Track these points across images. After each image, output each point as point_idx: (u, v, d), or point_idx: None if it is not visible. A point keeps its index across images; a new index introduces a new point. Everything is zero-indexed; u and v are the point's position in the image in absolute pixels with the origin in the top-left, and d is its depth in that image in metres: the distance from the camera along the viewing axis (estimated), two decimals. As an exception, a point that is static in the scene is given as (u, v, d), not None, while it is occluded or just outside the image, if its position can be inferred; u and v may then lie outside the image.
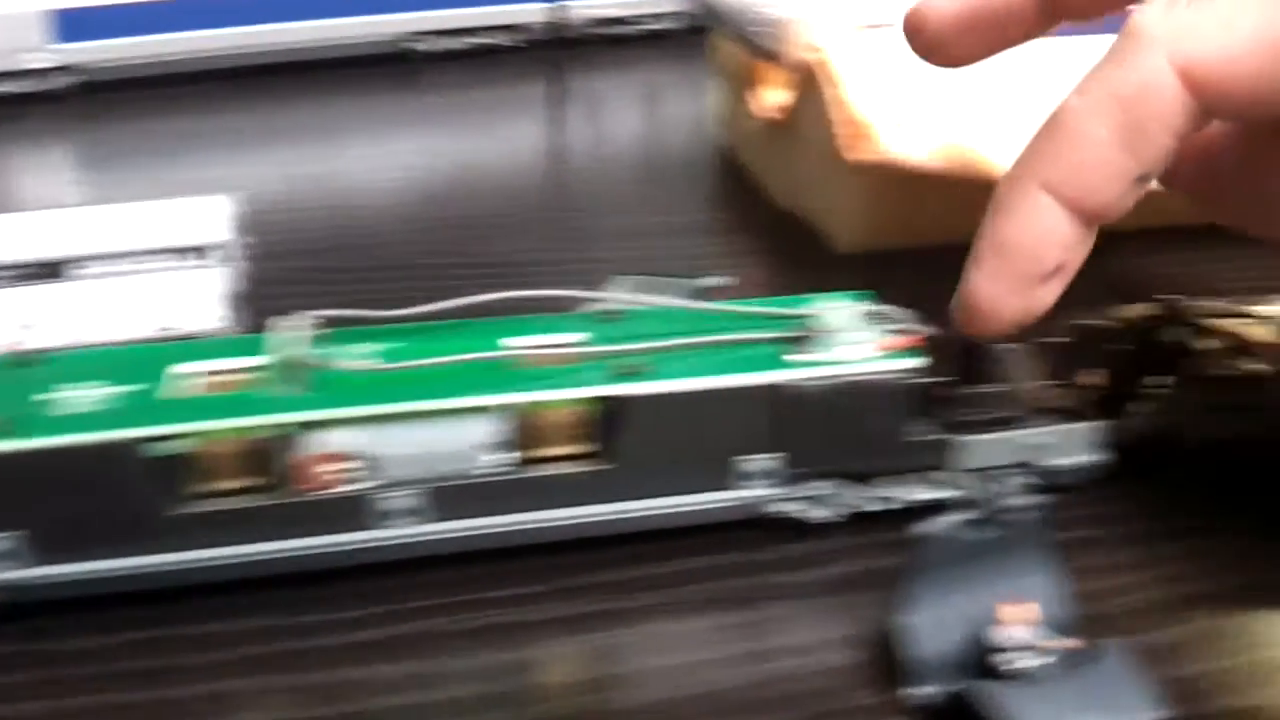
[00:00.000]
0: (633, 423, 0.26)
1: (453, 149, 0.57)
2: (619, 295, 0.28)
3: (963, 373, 0.29)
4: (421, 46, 0.65)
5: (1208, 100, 0.22)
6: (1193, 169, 0.26)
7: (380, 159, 0.55)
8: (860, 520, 0.29)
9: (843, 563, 0.28)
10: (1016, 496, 0.24)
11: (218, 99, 0.61)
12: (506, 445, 0.26)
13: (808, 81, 0.42)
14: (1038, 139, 0.23)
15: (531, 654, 0.26)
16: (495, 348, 0.27)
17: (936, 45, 0.26)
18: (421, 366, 0.25)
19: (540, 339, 0.27)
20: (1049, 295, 0.23)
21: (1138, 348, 0.32)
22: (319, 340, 0.26)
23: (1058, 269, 0.23)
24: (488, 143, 0.58)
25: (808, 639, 0.27)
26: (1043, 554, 0.25)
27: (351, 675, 0.25)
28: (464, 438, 0.25)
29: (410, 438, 0.25)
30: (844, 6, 0.44)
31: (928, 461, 0.29)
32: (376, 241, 0.46)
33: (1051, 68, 0.44)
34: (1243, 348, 0.32)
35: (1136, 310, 0.33)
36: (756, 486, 0.28)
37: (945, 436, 0.28)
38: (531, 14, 0.67)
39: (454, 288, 0.30)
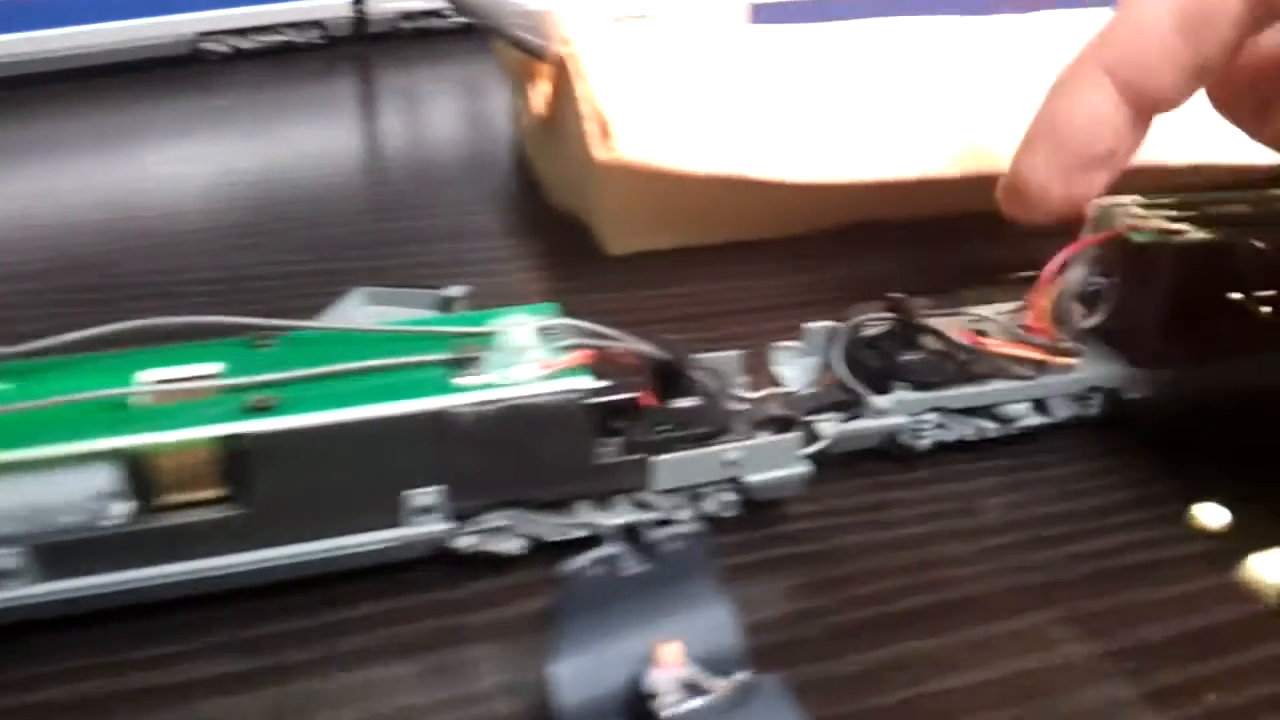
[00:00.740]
0: (265, 462, 0.23)
1: (245, 155, 0.53)
2: (275, 322, 0.26)
3: (663, 385, 0.28)
4: (216, 47, 0.62)
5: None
6: (1245, 88, 0.26)
7: (162, 168, 0.52)
8: (561, 549, 0.27)
9: (542, 596, 0.27)
10: (680, 524, 0.22)
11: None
12: (123, 494, 0.23)
13: (562, 77, 0.40)
14: (1105, 26, 0.23)
15: (198, 714, 0.24)
16: (127, 383, 0.24)
17: None
18: (23, 409, 0.23)
19: (174, 371, 0.24)
20: (1096, 183, 0.24)
21: (854, 349, 0.31)
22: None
23: (1108, 154, 0.23)
24: (282, 148, 0.55)
25: (499, 682, 0.25)
26: (706, 584, 0.23)
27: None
28: (68, 488, 0.22)
29: (2, 491, 0.22)
30: (601, -3, 0.42)
31: (626, 483, 0.27)
32: (126, 259, 0.43)
33: (807, 63, 0.43)
34: (958, 349, 0.30)
35: (862, 310, 0.31)
36: (432, 521, 0.25)
37: (640, 456, 0.27)
38: (335, 9, 0.64)
39: (176, 307, 0.27)
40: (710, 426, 0.27)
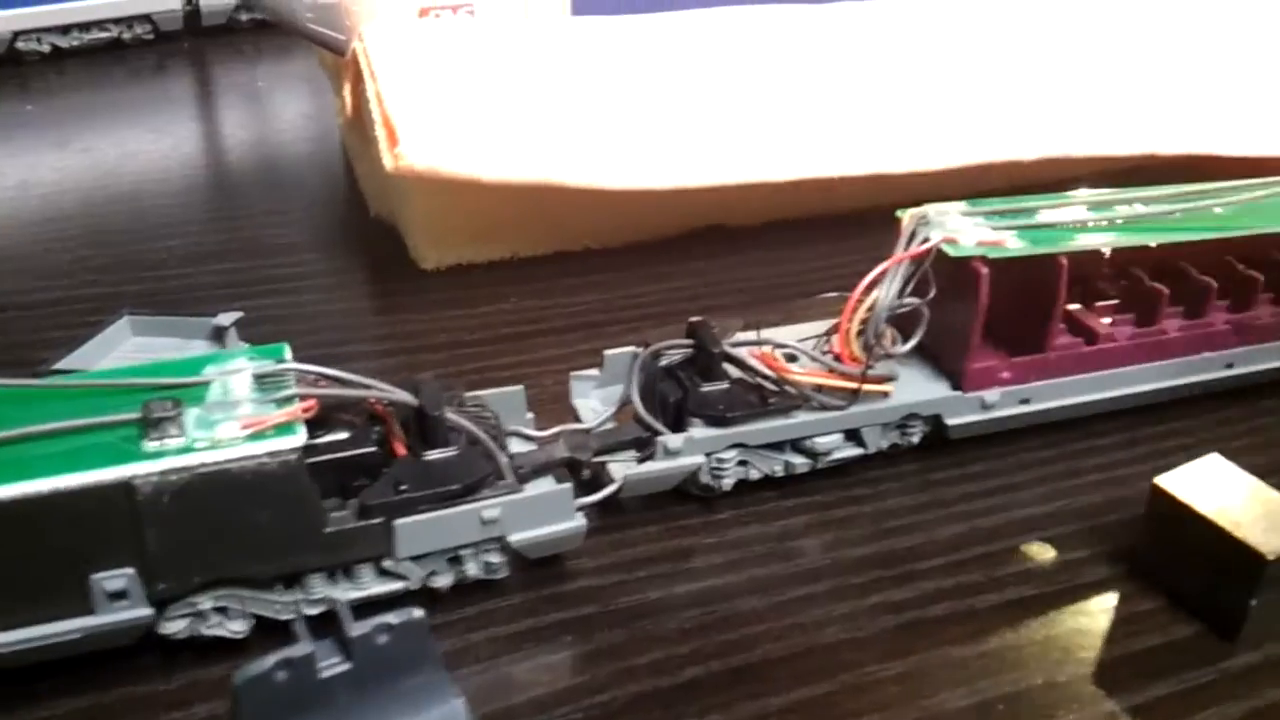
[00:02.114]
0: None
1: (48, 166, 0.48)
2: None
3: (419, 435, 0.24)
4: (34, 46, 0.57)
5: None
6: None
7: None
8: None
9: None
10: (389, 614, 0.19)
11: None
12: None
13: (358, 76, 0.37)
14: None
15: None
16: None
17: None
18: None
19: None
20: None
21: (653, 380, 0.27)
22: None
23: None
24: (93, 157, 0.50)
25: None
26: (429, 677, 0.20)
27: None
28: None
29: None
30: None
31: (368, 551, 0.24)
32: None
33: (633, 58, 0.39)
34: (763, 378, 0.27)
35: (662, 336, 0.28)
36: (127, 608, 0.22)
37: (380, 520, 0.23)
38: (165, 1, 0.59)
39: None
40: (468, 479, 0.24)
